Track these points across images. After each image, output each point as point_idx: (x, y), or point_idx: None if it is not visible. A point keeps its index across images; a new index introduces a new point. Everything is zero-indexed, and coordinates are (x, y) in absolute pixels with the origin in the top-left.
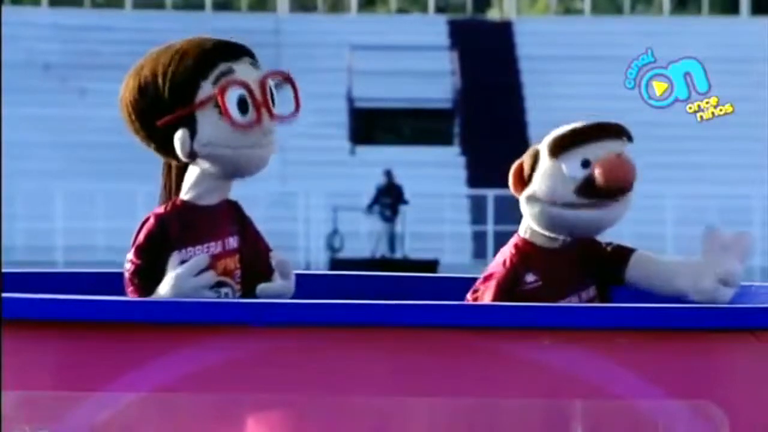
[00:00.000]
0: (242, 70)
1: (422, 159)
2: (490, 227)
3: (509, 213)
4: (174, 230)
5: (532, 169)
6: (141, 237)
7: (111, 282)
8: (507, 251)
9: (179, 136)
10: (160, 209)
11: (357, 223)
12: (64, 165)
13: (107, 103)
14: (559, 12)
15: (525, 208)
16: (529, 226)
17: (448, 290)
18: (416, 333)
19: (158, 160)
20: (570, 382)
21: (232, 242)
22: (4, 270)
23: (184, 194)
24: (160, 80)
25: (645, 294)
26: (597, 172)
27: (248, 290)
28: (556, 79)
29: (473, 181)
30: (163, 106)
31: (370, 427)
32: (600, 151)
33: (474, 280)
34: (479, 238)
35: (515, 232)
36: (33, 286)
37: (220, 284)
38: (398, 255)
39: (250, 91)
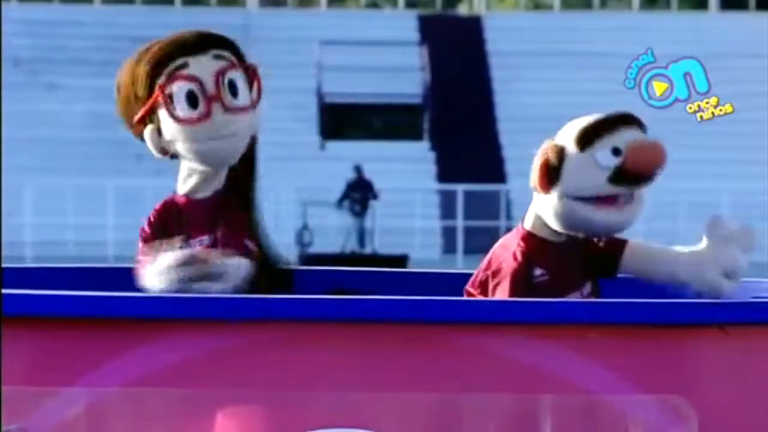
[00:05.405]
0: (199, 63)
1: (392, 154)
2: (459, 222)
3: (479, 208)
4: (171, 224)
5: (559, 165)
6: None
7: (80, 277)
8: (513, 245)
9: (147, 134)
10: (168, 199)
11: (327, 218)
12: (33, 160)
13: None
14: (528, 7)
15: (551, 205)
16: (537, 219)
17: (418, 285)
18: (385, 328)
19: (128, 156)
20: (540, 378)
21: (220, 235)
22: None
23: (180, 188)
24: (130, 80)
25: (619, 289)
26: (631, 158)
27: None
28: (526, 75)
29: (443, 176)
30: (138, 104)
31: (344, 423)
32: (626, 138)
33: (445, 275)
34: (449, 234)
35: (485, 227)
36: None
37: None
38: (368, 250)
39: (201, 85)
